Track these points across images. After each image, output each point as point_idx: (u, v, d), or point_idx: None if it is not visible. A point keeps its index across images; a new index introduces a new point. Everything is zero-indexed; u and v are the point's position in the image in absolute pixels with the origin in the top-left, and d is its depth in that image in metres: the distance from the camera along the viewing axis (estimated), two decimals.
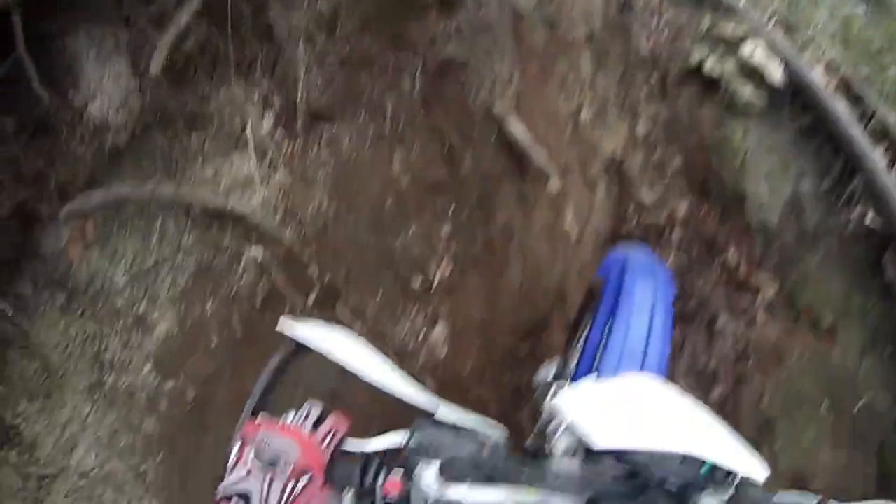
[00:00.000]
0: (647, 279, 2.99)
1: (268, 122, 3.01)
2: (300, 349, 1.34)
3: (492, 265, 3.89)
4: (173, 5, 2.60)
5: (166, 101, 2.65)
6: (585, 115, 5.02)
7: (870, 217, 4.26)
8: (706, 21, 5.74)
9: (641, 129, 5.38)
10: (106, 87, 2.44)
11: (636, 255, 3.19)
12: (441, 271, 3.58)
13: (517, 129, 3.88)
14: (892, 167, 4.43)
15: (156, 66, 2.48)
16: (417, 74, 3.48)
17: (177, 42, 2.58)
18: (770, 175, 4.74)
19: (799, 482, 3.68)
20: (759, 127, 4.96)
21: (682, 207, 4.89)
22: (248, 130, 2.91)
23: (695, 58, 5.43)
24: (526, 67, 4.40)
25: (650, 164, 5.17)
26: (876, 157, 4.30)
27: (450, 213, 3.68)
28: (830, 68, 5.46)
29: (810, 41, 5.75)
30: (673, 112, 5.41)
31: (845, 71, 5.37)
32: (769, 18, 6.22)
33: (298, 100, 3.01)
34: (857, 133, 4.46)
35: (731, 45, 5.30)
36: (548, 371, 2.97)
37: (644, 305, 2.83)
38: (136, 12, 2.60)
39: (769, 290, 4.43)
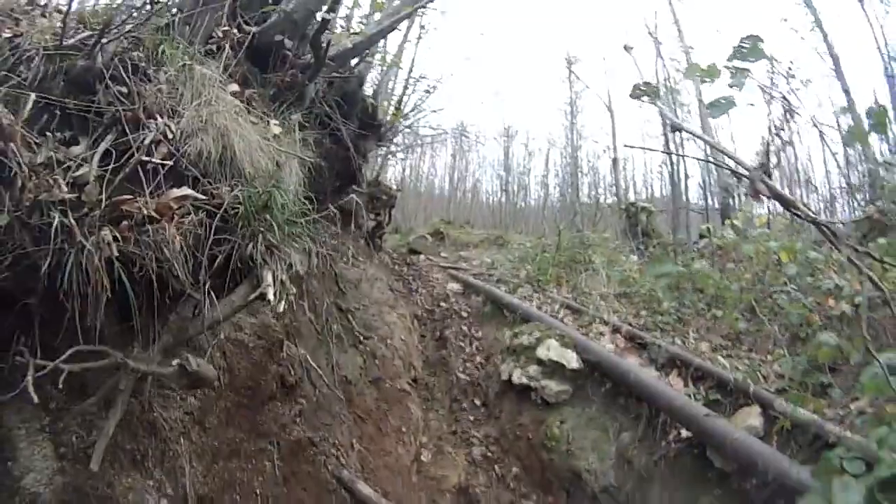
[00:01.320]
0: None
1: None
2: None
3: None
4: (95, 408, 2.79)
5: (82, 484, 2.74)
6: (426, 457, 5.53)
7: (683, 432, 4.81)
8: (507, 335, 6.81)
9: (477, 452, 5.92)
10: (36, 464, 2.62)
11: None
12: None
13: (365, 490, 4.27)
14: (687, 384, 5.19)
15: (96, 462, 2.67)
16: (276, 458, 3.85)
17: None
18: (595, 445, 5.29)
19: None
20: (573, 410, 5.64)
21: None
22: None
23: (504, 373, 6.29)
24: (363, 430, 4.95)
25: (492, 480, 5.61)
26: (664, 389, 5.07)
27: None
28: (616, 330, 6.52)
29: (595, 315, 6.90)
30: (499, 429, 6.09)
31: (628, 327, 6.43)
32: (560, 309, 7.47)
33: (187, 490, 3.25)
34: (646, 378, 5.25)
35: (530, 351, 6.16)
36: None
37: None
38: (61, 407, 2.75)
39: None
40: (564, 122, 21.26)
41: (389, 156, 13.51)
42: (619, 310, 7.19)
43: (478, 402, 6.54)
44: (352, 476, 4.34)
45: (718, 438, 4.34)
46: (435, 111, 11.88)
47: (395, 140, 11.18)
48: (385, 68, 9.86)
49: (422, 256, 10.56)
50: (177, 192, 2.63)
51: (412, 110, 10.78)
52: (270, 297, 3.10)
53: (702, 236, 9.52)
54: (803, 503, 3.20)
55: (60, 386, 2.38)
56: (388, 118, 8.21)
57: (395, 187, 9.24)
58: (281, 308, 3.24)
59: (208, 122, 2.92)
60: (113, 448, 3.04)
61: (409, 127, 11.83)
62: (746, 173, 2.04)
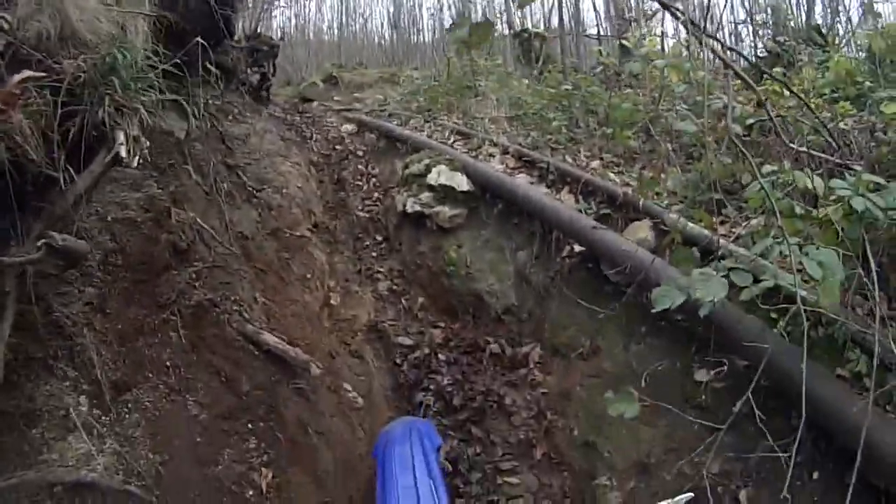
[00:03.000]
0: (404, 444, 3.86)
1: (84, 404, 3.35)
2: None
3: (304, 458, 4.29)
4: None
5: (3, 404, 2.86)
6: (335, 300, 5.72)
7: (576, 247, 5.11)
8: (400, 166, 6.90)
9: (383, 287, 6.20)
10: None
11: (394, 428, 4.06)
12: (265, 479, 3.94)
13: (270, 340, 4.43)
14: (577, 200, 5.40)
15: None
16: (179, 326, 3.91)
17: None
18: (493, 266, 5.60)
19: (641, 468, 4.08)
20: (468, 233, 5.88)
21: (438, 334, 5.59)
22: (73, 415, 3.25)
23: (399, 204, 6.43)
24: (266, 282, 5.03)
25: (400, 313, 5.95)
26: (552, 204, 5.25)
27: (249, 428, 4.10)
28: (505, 151, 6.64)
29: (484, 138, 6.96)
30: (401, 260, 6.33)
31: (517, 146, 6.56)
32: (450, 135, 7.52)
33: (100, 379, 3.31)
34: (534, 195, 5.44)
35: (422, 178, 6.29)
36: None
37: (405, 466, 3.69)
38: None
39: (535, 352, 5.13)
40: None
41: (268, 6, 12.59)
42: (508, 131, 7.29)
43: (379, 238, 6.74)
44: (256, 329, 4.44)
45: (608, 251, 4.58)
46: None
47: None
48: None
49: (315, 103, 10.30)
50: (16, 77, 2.53)
51: None
52: (123, 153, 3.05)
53: (598, 62, 9.47)
54: (658, 291, 3.39)
55: None
56: None
57: (276, 37, 8.87)
58: (135, 163, 3.19)
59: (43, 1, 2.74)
60: (25, 361, 3.07)
61: None
62: None
